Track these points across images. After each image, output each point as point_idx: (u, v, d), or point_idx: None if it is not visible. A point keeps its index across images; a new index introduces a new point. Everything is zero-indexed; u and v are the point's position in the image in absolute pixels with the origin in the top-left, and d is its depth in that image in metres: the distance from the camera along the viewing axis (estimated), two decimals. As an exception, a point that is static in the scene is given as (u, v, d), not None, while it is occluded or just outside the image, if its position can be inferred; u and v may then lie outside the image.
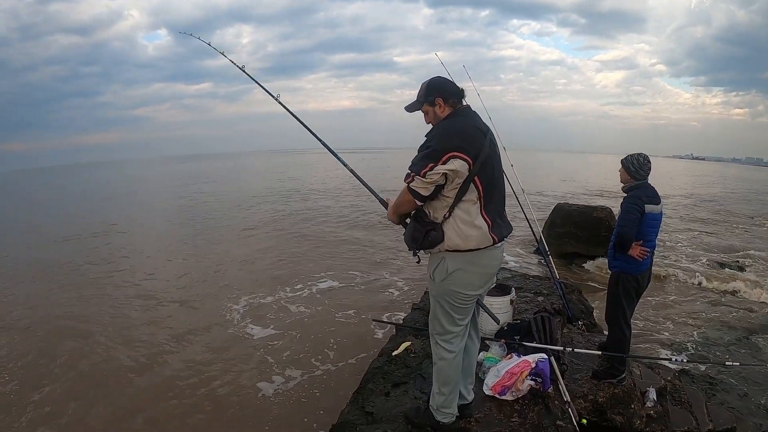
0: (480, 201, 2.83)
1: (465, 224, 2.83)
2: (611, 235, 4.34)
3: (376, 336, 7.87)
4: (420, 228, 2.90)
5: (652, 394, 4.35)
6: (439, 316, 3.11)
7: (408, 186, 2.82)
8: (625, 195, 4.19)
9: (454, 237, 2.83)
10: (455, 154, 2.70)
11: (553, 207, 14.51)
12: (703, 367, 6.50)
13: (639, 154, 4.19)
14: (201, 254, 14.74)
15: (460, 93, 2.97)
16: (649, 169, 4.19)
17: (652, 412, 4.24)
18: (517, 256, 13.15)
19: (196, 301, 10.15)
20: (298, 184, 38.86)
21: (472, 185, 2.79)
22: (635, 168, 4.14)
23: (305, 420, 5.64)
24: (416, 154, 2.83)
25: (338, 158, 3.90)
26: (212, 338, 8.13)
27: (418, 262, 3.11)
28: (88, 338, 8.27)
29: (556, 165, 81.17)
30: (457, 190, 2.78)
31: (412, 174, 2.77)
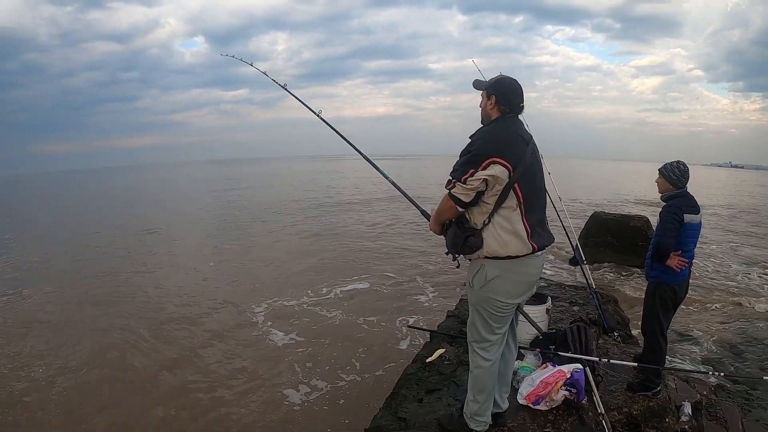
0: (520, 208, 2.85)
1: (504, 231, 2.85)
2: (648, 245, 4.30)
3: (399, 347, 7.92)
4: (460, 233, 2.93)
5: (687, 408, 4.30)
6: (477, 324, 3.14)
7: (449, 192, 2.84)
8: (664, 204, 4.16)
9: (493, 243, 2.86)
10: (495, 159, 2.72)
11: (588, 215, 14.38)
12: (739, 381, 6.40)
13: (679, 162, 4.16)
14: (236, 258, 15.11)
15: (515, 107, 2.98)
16: (689, 177, 4.16)
17: (686, 426, 4.19)
18: (552, 264, 13.08)
19: (225, 304, 10.36)
20: (331, 190, 39.11)
21: (512, 192, 2.80)
22: (677, 176, 4.10)
23: (328, 430, 5.71)
24: (458, 159, 2.86)
25: (379, 170, 3.93)
26: (239, 342, 8.26)
27: (457, 267, 3.16)
28: (117, 335, 8.59)
29: (591, 172, 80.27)
30: (497, 196, 2.80)
31: (453, 180, 2.80)
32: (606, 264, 12.73)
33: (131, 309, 10.01)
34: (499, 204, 2.82)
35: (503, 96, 2.94)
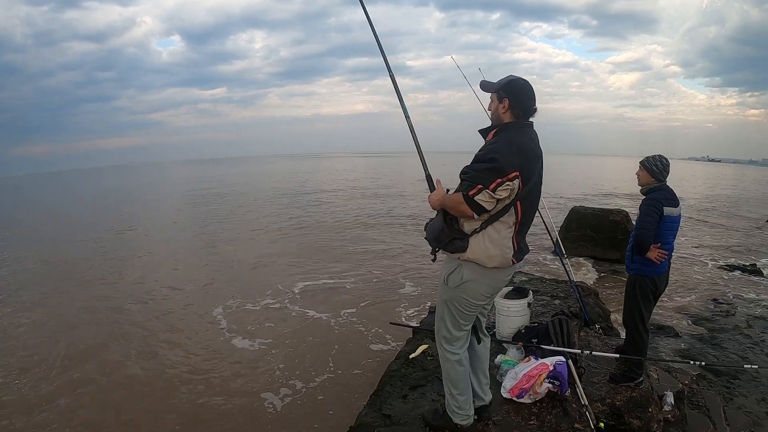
0: (515, 226, 2.84)
1: (492, 244, 2.82)
2: (628, 238, 4.34)
3: (378, 344, 7.86)
4: (447, 232, 2.87)
5: (670, 398, 4.33)
6: (446, 320, 3.14)
7: (471, 197, 2.70)
8: (644, 197, 4.19)
9: (478, 252, 2.83)
10: (517, 173, 2.67)
11: (568, 210, 14.48)
12: (720, 371, 6.47)
13: (660, 156, 4.19)
14: (211, 256, 15.02)
15: (529, 111, 2.88)
16: (669, 171, 4.19)
17: (669, 416, 4.22)
18: (535, 259, 13.15)
19: (197, 305, 10.16)
20: (311, 187, 38.98)
21: (512, 209, 2.78)
22: (659, 170, 4.13)
23: (315, 426, 5.63)
24: (474, 162, 2.77)
25: (404, 111, 3.43)
26: (204, 349, 7.94)
27: (433, 260, 3.07)
28: (85, 341, 8.34)
29: (571, 168, 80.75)
30: (498, 210, 2.77)
31: (479, 186, 2.67)
32: (586, 258, 12.81)
33: (94, 316, 9.75)
34: (496, 217, 2.79)
35: (517, 99, 2.85)
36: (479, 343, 3.43)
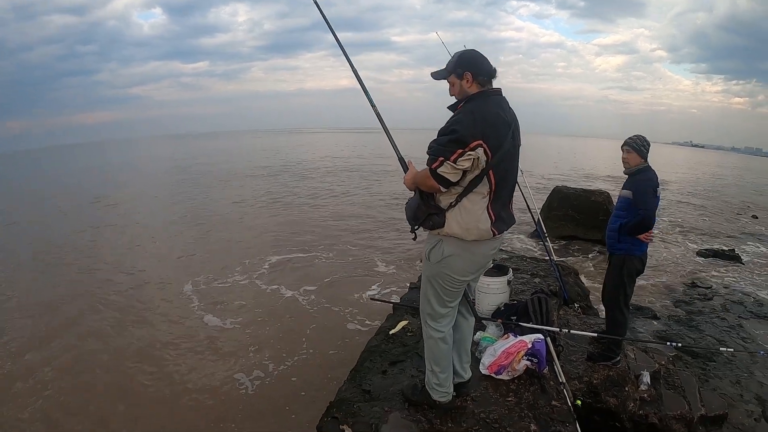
0: (489, 195, 2.78)
1: (469, 215, 2.77)
2: (612, 219, 4.31)
3: (356, 322, 7.81)
4: (423, 209, 2.85)
5: (646, 378, 4.37)
6: (430, 297, 3.11)
7: (435, 170, 2.69)
8: (637, 177, 4.14)
9: (455, 226, 2.79)
10: (480, 142, 2.61)
11: (551, 190, 14.48)
12: (698, 353, 6.54)
13: (640, 135, 4.18)
14: (191, 230, 14.95)
15: (492, 72, 2.82)
16: None
17: (645, 395, 4.26)
18: (516, 237, 13.19)
19: (171, 281, 10.10)
20: (293, 162, 38.72)
21: (485, 178, 2.72)
22: (646, 149, 4.14)
23: (287, 408, 5.60)
24: (437, 136, 2.72)
25: (369, 99, 3.47)
26: (175, 330, 7.80)
27: (414, 239, 3.05)
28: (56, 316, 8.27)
29: (555, 148, 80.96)
30: (469, 181, 2.73)
31: (441, 159, 2.66)
32: (568, 238, 12.86)
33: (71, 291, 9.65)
34: (470, 189, 2.74)
35: (476, 68, 2.78)
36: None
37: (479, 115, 2.68)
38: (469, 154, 2.60)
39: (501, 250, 7.82)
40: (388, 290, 9.22)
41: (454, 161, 2.62)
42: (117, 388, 6.15)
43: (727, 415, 4.92)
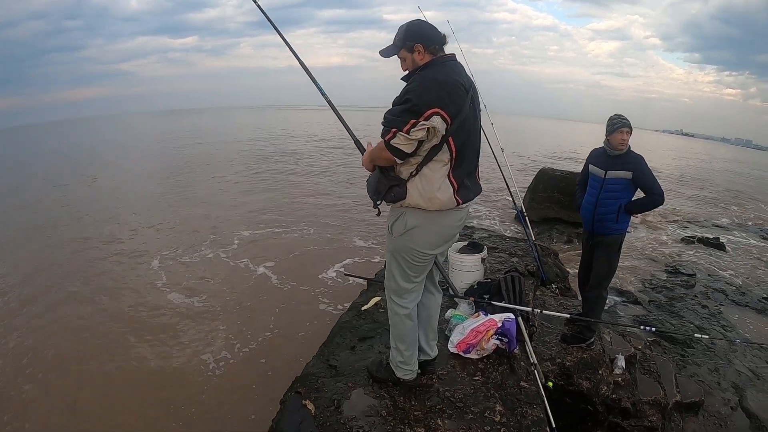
0: (450, 163, 2.69)
1: (430, 184, 2.69)
2: (604, 202, 4.19)
3: (325, 305, 7.66)
4: (384, 181, 2.78)
5: (621, 362, 4.33)
6: (394, 272, 3.04)
7: (388, 142, 2.61)
8: (632, 158, 4.08)
9: (417, 196, 2.71)
10: (436, 110, 2.51)
11: (537, 171, 14.40)
12: (676, 339, 6.53)
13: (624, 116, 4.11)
14: (172, 205, 14.81)
15: (441, 39, 2.72)
16: None
17: (620, 379, 4.23)
18: (497, 216, 13.17)
19: (143, 255, 10.01)
20: (281, 139, 38.61)
21: (445, 146, 2.63)
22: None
23: (253, 387, 5.54)
24: (391, 107, 2.64)
25: (317, 85, 3.55)
26: (146, 304, 7.69)
27: (378, 215, 2.96)
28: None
29: (544, 131, 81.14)
30: (429, 149, 2.64)
31: (393, 130, 2.57)
32: (552, 220, 12.77)
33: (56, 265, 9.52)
34: (430, 157, 2.66)
35: (425, 38, 2.69)
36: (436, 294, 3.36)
37: (433, 82, 2.60)
38: (423, 124, 2.50)
39: (480, 228, 7.76)
40: (364, 262, 9.25)
41: (407, 132, 2.54)
42: (78, 368, 6.04)
43: (703, 402, 4.92)
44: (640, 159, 4.04)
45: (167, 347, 6.44)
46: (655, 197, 4.03)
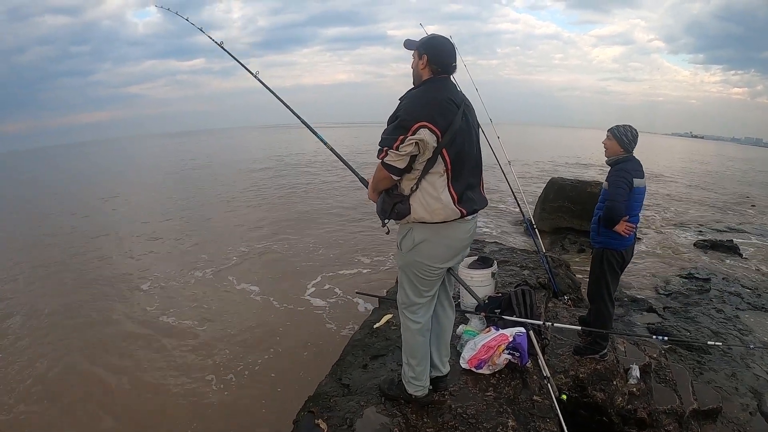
0: (447, 174, 2.76)
1: (431, 197, 2.77)
2: (595, 212, 4.24)
3: (331, 321, 7.66)
4: (388, 200, 2.89)
5: (636, 372, 4.29)
6: (405, 287, 3.09)
7: (383, 162, 2.74)
8: (612, 167, 4.07)
9: (420, 210, 2.79)
10: (424, 124, 2.62)
11: (547, 181, 14.37)
12: (693, 346, 6.47)
13: (630, 126, 4.07)
14: (189, 223, 15.08)
15: (448, 67, 2.85)
16: (637, 143, 4.09)
17: (634, 389, 4.18)
18: (507, 230, 13.12)
19: (140, 276, 10.07)
20: (292, 157, 38.81)
21: (440, 158, 2.72)
22: (629, 140, 4.02)
23: (263, 411, 5.51)
24: (386, 126, 2.76)
25: (318, 136, 3.76)
26: (146, 325, 7.73)
27: (387, 233, 3.08)
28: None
29: (552, 139, 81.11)
30: (425, 162, 2.72)
31: (385, 149, 2.70)
32: (564, 230, 12.72)
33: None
34: (426, 170, 2.75)
35: (435, 55, 2.82)
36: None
37: (422, 98, 2.75)
38: (410, 139, 2.63)
39: (491, 242, 7.74)
40: (372, 280, 9.26)
41: (397, 148, 2.66)
42: (83, 389, 6.09)
43: (721, 409, 4.85)
44: (616, 170, 4.01)
45: (171, 369, 6.47)
46: (606, 203, 3.95)
